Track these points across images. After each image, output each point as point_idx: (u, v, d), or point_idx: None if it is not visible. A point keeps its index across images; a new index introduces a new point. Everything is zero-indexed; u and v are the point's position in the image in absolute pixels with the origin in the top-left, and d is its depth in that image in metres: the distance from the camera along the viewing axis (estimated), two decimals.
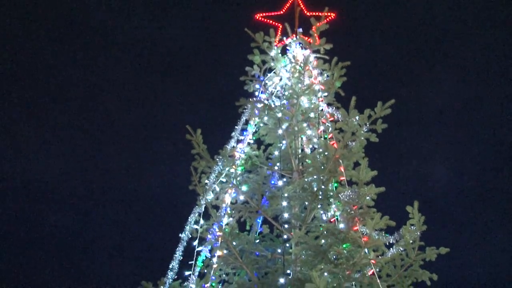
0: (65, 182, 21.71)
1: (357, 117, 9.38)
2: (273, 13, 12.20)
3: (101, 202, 21.66)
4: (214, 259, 9.69)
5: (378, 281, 8.65)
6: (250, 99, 11.05)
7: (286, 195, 9.92)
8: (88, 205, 21.89)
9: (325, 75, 11.10)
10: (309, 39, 11.17)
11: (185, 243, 9.76)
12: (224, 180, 10.36)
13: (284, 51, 11.73)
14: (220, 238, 9.63)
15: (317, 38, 11.14)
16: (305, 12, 12.20)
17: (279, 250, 10.04)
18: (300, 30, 11.86)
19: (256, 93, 11.50)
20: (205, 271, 9.77)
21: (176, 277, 9.48)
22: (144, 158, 22.08)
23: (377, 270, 8.92)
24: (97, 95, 22.70)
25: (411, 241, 9.00)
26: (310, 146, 11.18)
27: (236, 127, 10.86)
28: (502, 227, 20.69)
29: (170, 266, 9.50)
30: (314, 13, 11.69)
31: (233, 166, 10.46)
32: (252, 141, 11.09)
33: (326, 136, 10.55)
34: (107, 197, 21.53)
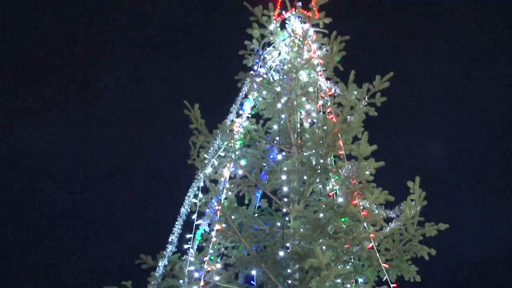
0: (60, 156, 21.67)
1: (355, 91, 9.34)
2: None
3: (99, 177, 21.65)
4: (213, 233, 9.73)
5: (377, 255, 8.70)
6: (249, 73, 11.01)
7: (285, 169, 9.92)
8: (85, 179, 21.90)
9: (324, 49, 11.04)
10: (308, 13, 11.08)
11: (184, 217, 9.78)
12: (222, 154, 10.35)
13: (283, 25, 11.64)
14: (218, 212, 9.65)
15: (316, 12, 11.05)
16: None
17: (278, 224, 10.07)
18: (299, 3, 11.74)
19: (255, 67, 11.44)
20: (204, 244, 9.81)
21: (175, 250, 9.51)
22: (142, 133, 22.05)
23: (376, 244, 8.95)
24: (93, 68, 22.57)
25: (410, 216, 9.02)
26: (309, 120, 11.16)
27: (234, 101, 10.82)
28: (501, 203, 20.76)
29: (169, 240, 9.54)
30: None
31: (232, 141, 10.45)
32: (250, 116, 11.07)
33: (325, 111, 10.51)
34: (105, 172, 21.52)
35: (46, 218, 20.93)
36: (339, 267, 7.84)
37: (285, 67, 11.06)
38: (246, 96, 11.03)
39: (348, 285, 8.79)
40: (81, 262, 20.22)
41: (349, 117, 9.43)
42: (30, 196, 20.98)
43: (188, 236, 9.75)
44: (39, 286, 19.59)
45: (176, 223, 9.72)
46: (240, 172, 10.59)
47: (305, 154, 9.87)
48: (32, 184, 21.14)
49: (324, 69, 10.85)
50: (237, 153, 10.53)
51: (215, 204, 9.66)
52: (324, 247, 8.37)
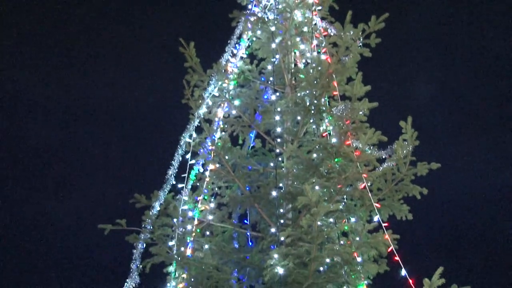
0: (48, 96, 21.48)
1: (351, 32, 9.25)
2: None
3: (93, 117, 21.56)
4: (207, 173, 9.79)
5: (369, 194, 8.79)
6: (243, 12, 10.87)
7: (278, 109, 9.91)
8: (78, 119, 21.79)
9: None
10: None
11: (178, 157, 9.81)
12: (217, 94, 10.32)
13: None
14: (212, 152, 9.69)
15: None
16: None
17: (271, 164, 10.11)
18: None
19: (249, 6, 11.29)
20: (198, 184, 9.88)
21: (169, 190, 9.57)
22: (135, 72, 21.86)
23: (369, 184, 9.03)
24: (84, 5, 22.18)
25: (403, 156, 9.07)
26: (303, 60, 11.09)
27: (229, 41, 10.72)
28: (492, 143, 20.88)
29: (163, 180, 9.59)
30: None
31: (226, 81, 10.40)
32: (245, 55, 10.98)
33: (319, 51, 10.44)
34: (99, 112, 21.42)
35: (39, 157, 20.93)
36: (331, 206, 7.91)
37: (280, 6, 10.91)
38: (240, 36, 10.92)
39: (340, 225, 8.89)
40: (75, 202, 20.36)
41: (343, 57, 9.38)
42: (23, 137, 20.95)
43: (182, 175, 9.80)
44: (32, 226, 19.76)
45: (171, 162, 9.76)
46: (234, 112, 10.57)
47: (299, 94, 9.85)
48: (24, 124, 21.08)
49: (319, 8, 10.72)
50: (231, 93, 10.50)
51: (209, 144, 9.69)
52: (317, 187, 8.44)
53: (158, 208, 9.29)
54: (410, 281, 7.86)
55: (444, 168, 9.45)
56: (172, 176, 9.63)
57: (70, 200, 20.56)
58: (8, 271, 18.61)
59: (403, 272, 8.05)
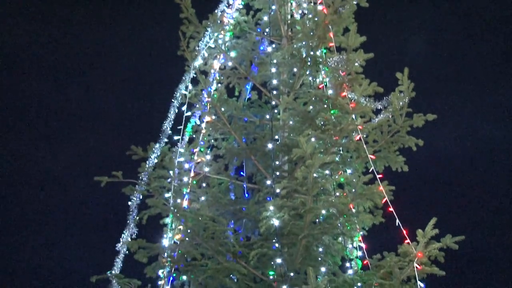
0: (44, 46, 21.26)
1: None
2: None
3: (85, 68, 21.38)
4: (203, 125, 9.79)
5: (365, 146, 8.80)
6: None
7: (275, 61, 9.86)
8: (69, 71, 21.60)
9: None
10: None
11: (174, 109, 9.79)
12: (212, 46, 10.24)
13: None
14: (208, 104, 9.67)
15: None
16: None
17: (267, 116, 10.11)
18: None
19: None
20: (194, 136, 9.88)
21: (165, 142, 9.57)
22: (130, 22, 21.62)
23: (364, 136, 9.05)
24: None
25: (399, 108, 9.06)
26: (300, 11, 10.98)
27: None
28: (488, 97, 20.84)
29: (160, 131, 9.58)
30: None
31: (222, 32, 10.31)
32: (241, 6, 10.85)
33: (316, 1, 10.31)
34: (92, 63, 21.25)
35: (34, 108, 20.84)
36: (326, 158, 7.93)
37: None
38: None
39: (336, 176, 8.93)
40: (70, 154, 20.38)
41: (340, 8, 9.29)
42: (17, 88, 20.82)
43: (178, 127, 9.79)
44: (27, 177, 19.81)
45: (166, 114, 9.74)
46: (230, 64, 10.52)
47: (295, 46, 9.77)
48: (19, 76, 20.94)
49: None
50: (227, 44, 10.42)
51: (205, 96, 9.66)
52: (312, 139, 8.45)
53: (155, 160, 9.30)
54: (404, 231, 7.93)
55: (440, 119, 9.45)
56: (168, 128, 9.62)
57: (66, 152, 20.57)
58: (1, 224, 18.75)
59: (398, 223, 8.12)
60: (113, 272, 8.44)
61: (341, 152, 9.27)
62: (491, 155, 20.14)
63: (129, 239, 8.68)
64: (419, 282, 7.49)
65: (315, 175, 7.85)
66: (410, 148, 9.45)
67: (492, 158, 20.14)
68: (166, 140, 9.55)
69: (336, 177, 8.87)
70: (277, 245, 8.49)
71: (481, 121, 20.36)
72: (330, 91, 9.23)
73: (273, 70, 9.84)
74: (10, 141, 20.11)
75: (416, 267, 7.47)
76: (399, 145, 9.51)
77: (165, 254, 8.43)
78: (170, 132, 9.63)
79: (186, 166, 9.44)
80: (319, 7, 9.71)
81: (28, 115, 20.86)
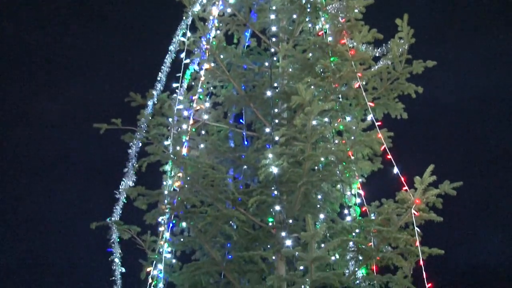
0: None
1: None
2: None
3: (81, 15, 21.07)
4: (202, 72, 9.71)
5: (364, 93, 8.78)
6: None
7: (274, 7, 9.74)
8: (65, 19, 21.30)
9: None
10: None
11: (173, 56, 9.72)
12: None
13: None
14: (207, 51, 9.59)
15: None
16: None
17: (266, 64, 10.04)
18: None
19: None
20: (193, 83, 9.83)
21: (164, 89, 9.54)
22: None
23: (363, 83, 9.01)
24: None
25: (398, 54, 8.99)
26: None
27: None
28: (489, 42, 20.65)
29: (158, 78, 9.53)
30: None
31: None
32: None
33: None
34: (88, 10, 20.95)
35: (30, 56, 20.66)
36: (325, 105, 7.92)
37: None
38: None
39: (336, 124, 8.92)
40: (68, 101, 20.31)
41: None
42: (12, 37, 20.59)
43: (177, 75, 9.74)
44: (23, 125, 19.77)
45: (165, 61, 9.67)
46: (229, 10, 10.38)
47: None
48: (16, 25, 20.70)
49: None
50: None
51: (204, 43, 9.57)
52: (312, 86, 8.42)
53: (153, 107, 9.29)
54: (402, 178, 7.97)
55: (440, 66, 9.39)
56: (166, 75, 9.56)
57: (64, 99, 20.51)
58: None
59: (396, 170, 8.16)
60: (112, 219, 8.51)
61: (340, 99, 9.24)
62: (490, 102, 20.09)
63: (129, 186, 8.72)
64: (416, 228, 7.57)
65: (314, 122, 7.85)
66: (409, 95, 9.41)
67: (491, 106, 20.10)
68: (163, 87, 9.50)
69: (335, 124, 8.87)
70: (276, 192, 8.54)
71: (481, 68, 20.23)
72: (329, 38, 9.14)
73: (272, 16, 9.73)
74: (8, 86, 20.02)
75: (414, 214, 7.55)
76: (399, 92, 9.46)
77: (165, 201, 8.48)
78: (167, 79, 9.57)
79: (185, 113, 9.41)
80: None
81: (26, 62, 20.69)
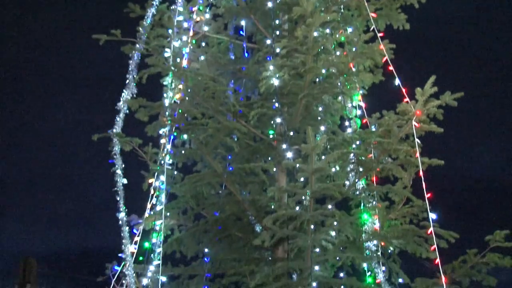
0: None
1: None
2: None
3: None
4: None
5: (366, 4, 8.69)
6: None
7: None
8: None
9: None
10: None
11: None
12: None
13: None
14: None
15: None
16: None
17: None
18: None
19: None
20: None
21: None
22: None
23: None
24: None
25: None
26: None
27: None
28: None
29: None
30: None
31: None
32: None
33: None
34: None
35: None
36: (327, 17, 7.82)
37: None
38: None
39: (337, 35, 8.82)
40: (69, 12, 20.03)
41: None
42: None
43: None
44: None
45: None
46: None
47: None
48: None
49: None
50: None
51: None
52: None
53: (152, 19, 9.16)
54: (404, 90, 7.97)
55: None
56: None
57: (63, 12, 20.23)
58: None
59: (397, 81, 8.14)
60: (114, 130, 8.52)
61: (342, 10, 9.12)
62: (491, 14, 19.84)
63: (130, 98, 8.70)
64: (417, 139, 7.62)
65: (315, 33, 7.77)
66: (412, 5, 9.29)
67: (492, 17, 19.86)
68: None
69: (337, 36, 8.76)
70: (277, 104, 8.56)
71: None
72: None
73: None
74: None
75: (415, 125, 7.58)
76: (401, 3, 9.35)
77: (166, 113, 8.49)
78: None
79: (185, 25, 9.30)
80: None
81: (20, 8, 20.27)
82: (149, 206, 8.61)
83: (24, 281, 12.75)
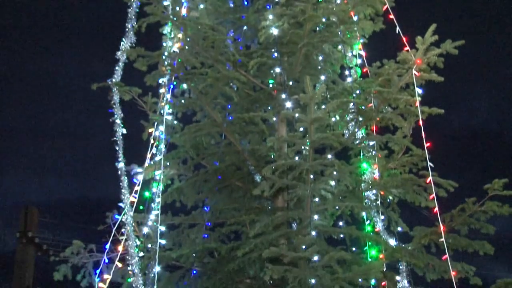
0: None
1: None
2: None
3: None
4: None
5: None
6: None
7: None
8: None
9: None
10: None
11: None
12: None
13: None
14: None
15: None
16: None
17: None
18: None
19: None
20: None
21: None
22: None
23: None
24: None
25: None
26: None
27: None
28: None
29: None
30: None
31: None
32: None
33: None
34: None
35: None
36: None
37: None
38: None
39: None
40: None
41: None
42: None
43: None
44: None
45: None
46: None
47: None
48: None
49: None
50: None
51: None
52: None
53: None
54: (404, 39, 7.90)
55: None
56: None
57: None
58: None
59: (398, 30, 8.07)
60: (113, 80, 8.48)
61: None
62: None
63: (129, 47, 8.62)
64: (417, 89, 7.59)
65: None
66: None
67: None
68: None
69: None
70: (276, 54, 8.50)
71: None
72: None
73: None
74: None
75: (415, 74, 7.53)
76: None
77: (165, 62, 8.42)
78: None
79: None
80: None
81: None
82: (149, 156, 8.63)
83: (25, 229, 12.95)
